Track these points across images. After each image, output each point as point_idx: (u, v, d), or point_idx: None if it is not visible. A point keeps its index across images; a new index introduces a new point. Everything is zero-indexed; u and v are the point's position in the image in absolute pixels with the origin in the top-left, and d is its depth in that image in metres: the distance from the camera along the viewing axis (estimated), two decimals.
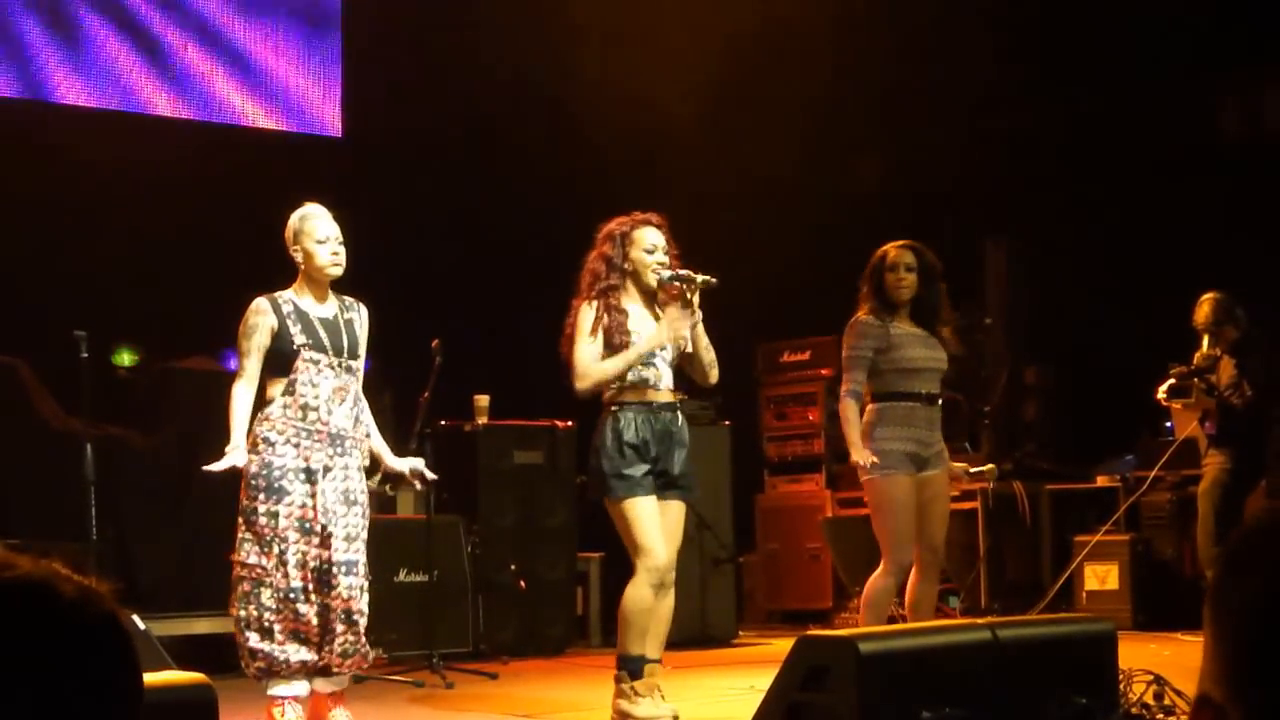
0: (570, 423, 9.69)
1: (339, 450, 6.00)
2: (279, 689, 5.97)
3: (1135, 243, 11.66)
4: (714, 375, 6.48)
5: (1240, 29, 11.52)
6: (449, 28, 11.98)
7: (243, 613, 5.90)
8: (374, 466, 6.46)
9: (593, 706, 6.93)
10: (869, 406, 6.87)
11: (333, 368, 6.01)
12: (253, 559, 5.87)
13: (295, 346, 5.96)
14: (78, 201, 10.15)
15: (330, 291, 6.14)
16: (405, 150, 11.93)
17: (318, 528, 5.90)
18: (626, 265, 6.32)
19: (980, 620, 5.96)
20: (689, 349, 6.36)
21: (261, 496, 5.87)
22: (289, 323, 5.99)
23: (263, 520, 5.85)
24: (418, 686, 8.04)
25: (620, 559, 6.41)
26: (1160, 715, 5.68)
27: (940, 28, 12.08)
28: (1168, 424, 10.26)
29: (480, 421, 9.62)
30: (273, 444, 5.91)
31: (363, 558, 6.02)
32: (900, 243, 6.99)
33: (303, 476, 5.91)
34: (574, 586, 10.18)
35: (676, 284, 6.29)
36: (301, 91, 11.85)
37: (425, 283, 11.45)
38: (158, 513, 8.91)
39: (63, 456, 7.99)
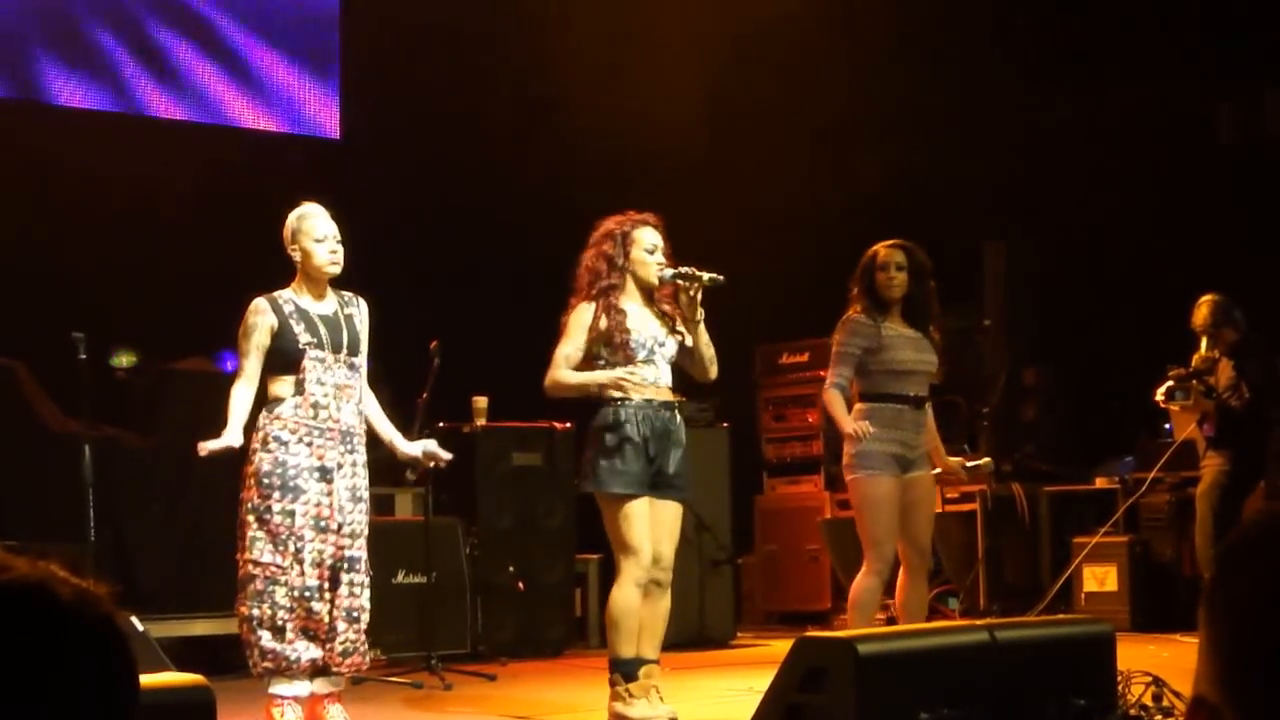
0: (569, 424, 9.69)
1: (348, 447, 6.04)
2: (281, 688, 5.98)
3: (1134, 244, 11.66)
4: (713, 372, 6.48)
5: (1239, 33, 11.53)
6: (447, 30, 11.97)
7: (255, 611, 5.89)
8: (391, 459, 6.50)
9: (591, 708, 6.92)
10: (857, 406, 6.87)
11: (338, 365, 6.03)
12: (266, 557, 5.87)
13: (300, 345, 5.97)
14: (76, 203, 10.15)
15: (329, 288, 6.15)
16: (403, 152, 11.93)
17: (333, 525, 5.92)
18: (627, 265, 6.32)
19: (979, 622, 5.96)
20: (689, 344, 6.37)
21: (276, 495, 5.87)
22: (292, 321, 6.00)
23: (278, 519, 5.85)
24: (416, 688, 8.03)
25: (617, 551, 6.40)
26: (1159, 716, 5.67)
27: (939, 30, 12.09)
28: (1166, 426, 10.26)
29: (479, 423, 9.62)
30: (285, 443, 5.92)
31: (365, 554, 6.05)
32: (890, 242, 6.99)
33: (317, 475, 5.93)
34: (572, 588, 10.18)
35: (680, 281, 6.29)
36: (300, 94, 11.85)
37: (423, 284, 11.45)
38: (156, 514, 8.90)
39: (61, 458, 7.99)
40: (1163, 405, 9.37)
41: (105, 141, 10.43)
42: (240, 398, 5.96)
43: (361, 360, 6.17)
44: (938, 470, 7.20)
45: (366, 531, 6.10)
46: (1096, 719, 4.88)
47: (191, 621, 8.59)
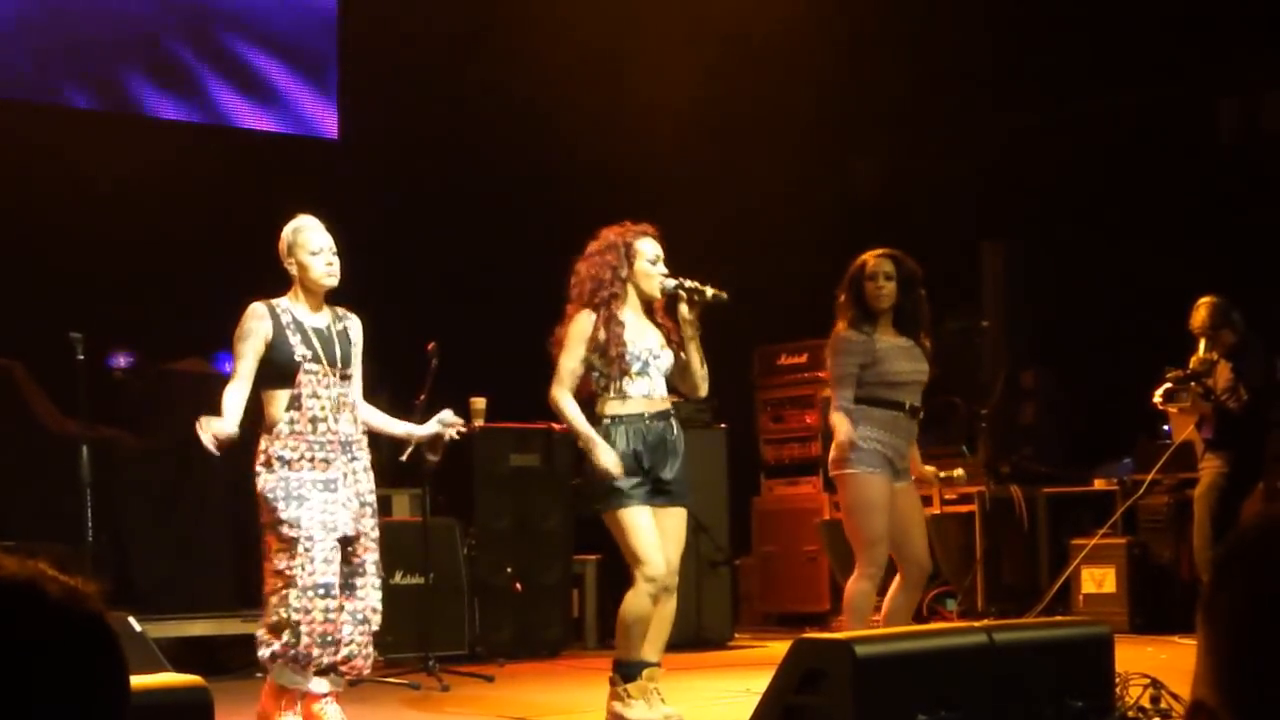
0: (567, 426, 9.69)
1: (349, 456, 6.04)
2: (288, 679, 5.96)
3: (1133, 245, 11.66)
4: (703, 389, 6.48)
5: (1239, 31, 11.53)
6: (445, 32, 11.98)
7: (275, 618, 5.90)
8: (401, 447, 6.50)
9: (588, 709, 6.92)
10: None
11: (333, 379, 6.02)
12: (282, 564, 5.88)
13: (296, 358, 5.95)
14: (73, 203, 10.14)
15: (323, 303, 6.14)
16: (402, 153, 11.93)
17: (341, 526, 5.93)
18: (630, 276, 6.32)
19: (977, 623, 5.96)
20: (683, 358, 6.37)
21: (281, 505, 5.87)
22: (288, 333, 5.99)
23: (286, 528, 5.86)
24: (414, 689, 8.03)
25: (616, 562, 6.42)
26: (1156, 718, 5.68)
27: (937, 31, 12.09)
28: (1165, 428, 10.26)
29: (476, 424, 9.62)
30: (288, 461, 5.91)
31: (375, 557, 6.06)
32: (879, 251, 6.94)
33: (321, 486, 5.93)
34: (570, 589, 10.18)
35: (682, 293, 6.28)
36: (298, 94, 11.85)
37: (422, 285, 11.45)
38: (153, 515, 8.91)
39: (58, 458, 8.00)
40: (1161, 407, 9.37)
41: (104, 142, 10.42)
42: (234, 397, 5.96)
43: (355, 374, 6.17)
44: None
45: (377, 534, 6.10)
46: None
47: (189, 622, 8.59)
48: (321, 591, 5.88)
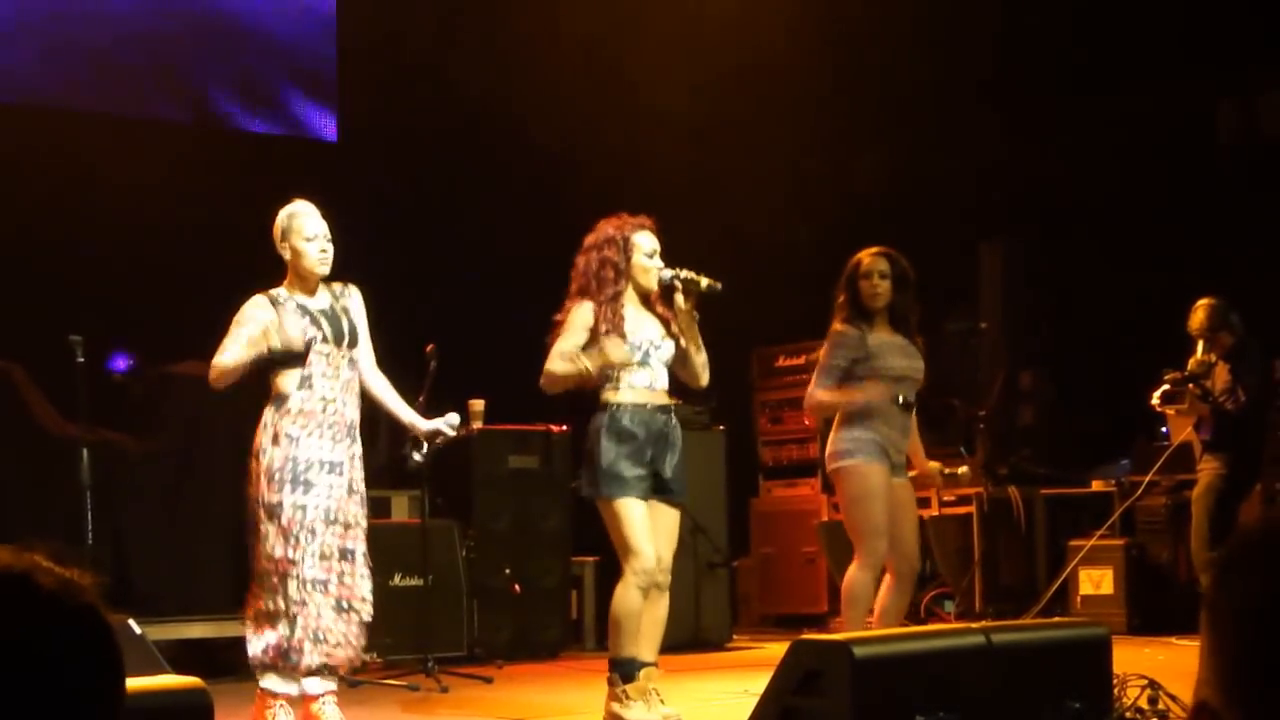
0: (565, 427, 9.71)
1: (351, 440, 6.07)
2: (274, 684, 5.98)
3: (1131, 247, 11.67)
4: (705, 377, 6.49)
5: (1238, 32, 11.54)
6: (444, 33, 11.98)
7: (270, 606, 5.90)
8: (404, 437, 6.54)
9: (587, 710, 6.93)
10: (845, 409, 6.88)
11: (341, 359, 6.06)
12: (278, 551, 5.89)
13: (307, 339, 5.99)
14: (73, 206, 10.14)
15: (319, 284, 6.17)
16: (400, 154, 11.93)
17: (340, 518, 5.95)
18: (628, 269, 6.34)
19: (975, 625, 5.97)
20: (683, 347, 6.38)
21: (288, 489, 5.89)
22: (295, 317, 6.03)
23: (289, 512, 5.87)
24: (412, 690, 8.04)
25: (615, 563, 6.41)
26: (1154, 719, 5.69)
27: (936, 30, 12.09)
28: (1163, 429, 10.27)
29: (475, 426, 9.63)
30: (295, 438, 5.94)
31: (364, 546, 6.08)
32: (874, 249, 6.97)
33: (326, 468, 5.96)
34: (568, 591, 10.19)
35: (678, 283, 6.31)
36: (297, 96, 11.85)
37: (420, 287, 11.45)
38: (153, 518, 8.91)
39: (58, 461, 7.99)
40: (1159, 409, 9.38)
41: (104, 144, 10.42)
42: (227, 354, 5.97)
43: (362, 351, 6.20)
44: (914, 473, 7.20)
45: (365, 524, 6.13)
46: None
47: (189, 624, 8.59)
48: (321, 586, 5.90)
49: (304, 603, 5.88)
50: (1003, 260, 11.85)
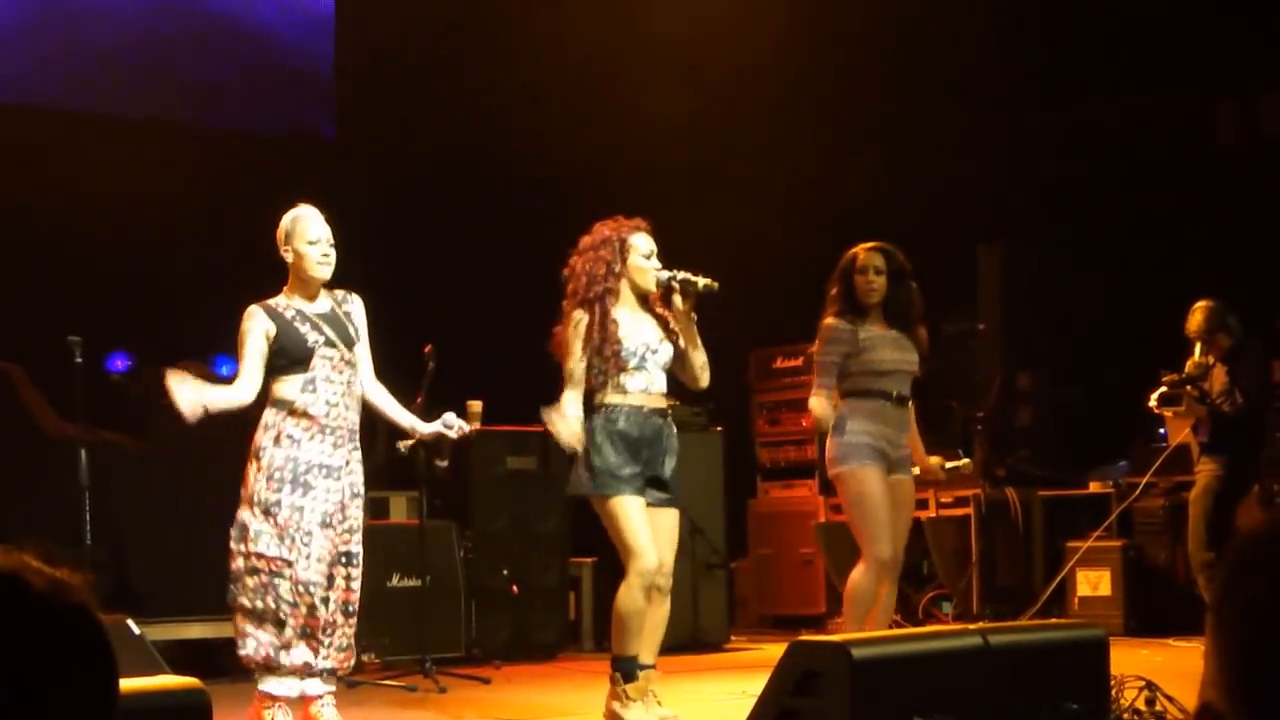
0: None
1: (352, 445, 6.08)
2: (272, 686, 5.98)
3: (1130, 248, 11.67)
4: (705, 379, 6.49)
5: (1237, 35, 11.54)
6: (443, 32, 11.98)
7: (258, 604, 5.90)
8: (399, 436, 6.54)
9: (585, 711, 6.93)
10: (838, 404, 6.88)
11: (343, 363, 6.07)
12: (271, 550, 5.89)
13: (310, 344, 6.00)
14: (71, 206, 10.14)
15: (321, 289, 6.18)
16: (398, 154, 11.93)
17: (335, 521, 5.95)
18: (624, 271, 6.34)
19: (972, 626, 5.97)
20: (682, 348, 6.39)
21: (288, 489, 5.89)
22: (296, 323, 6.04)
23: (285, 513, 5.87)
24: (410, 691, 8.04)
25: (613, 564, 6.42)
26: None
27: (935, 32, 12.09)
28: (1161, 431, 10.27)
29: (473, 427, 9.63)
30: (297, 440, 5.95)
31: (360, 550, 6.09)
32: (870, 245, 6.97)
33: (325, 471, 5.96)
34: (566, 591, 10.19)
35: (675, 285, 6.31)
36: (296, 96, 11.86)
37: (418, 287, 11.45)
38: (152, 518, 8.90)
39: (57, 462, 8.00)
40: (1157, 411, 9.38)
41: (102, 144, 10.43)
42: (229, 391, 5.99)
43: (361, 356, 6.21)
44: (916, 471, 7.21)
45: (362, 527, 6.13)
46: None
47: (187, 624, 8.59)
48: (313, 588, 5.90)
49: (296, 604, 5.88)
50: (1001, 262, 11.84)
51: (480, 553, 9.57)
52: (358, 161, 11.71)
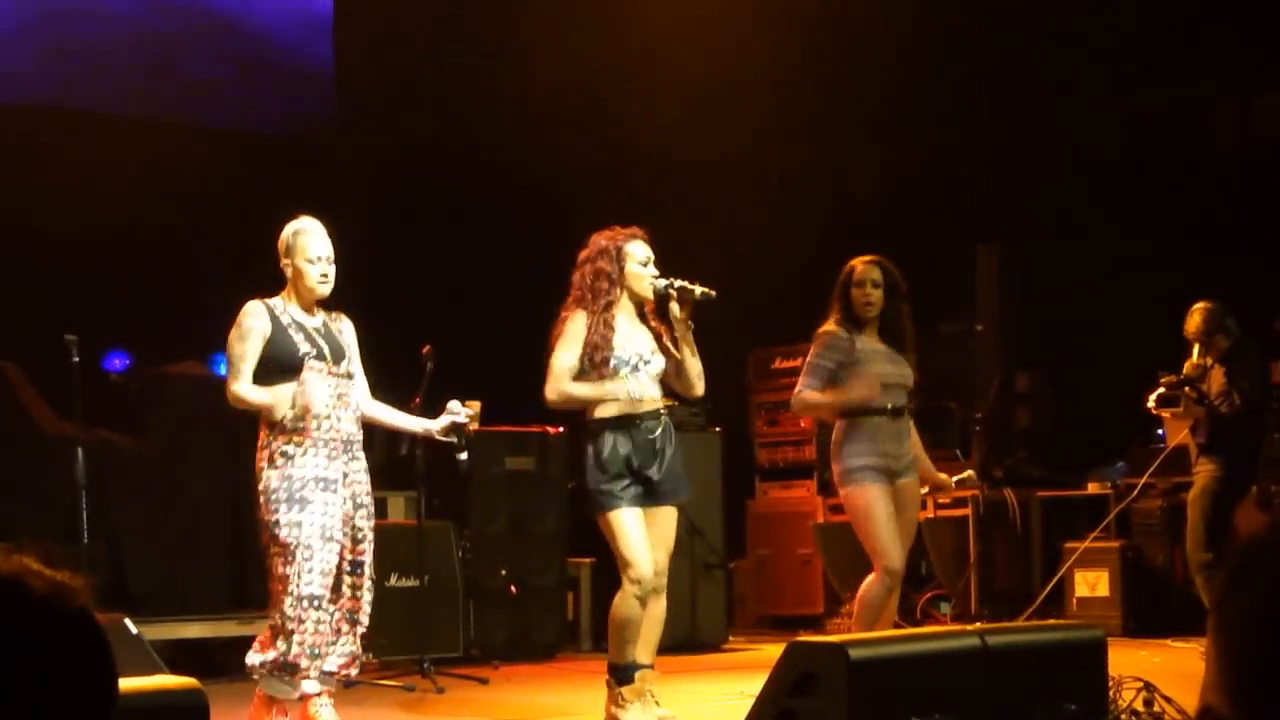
0: (561, 429, 9.71)
1: (350, 455, 6.06)
2: (272, 688, 5.98)
3: (1128, 249, 11.68)
4: (699, 387, 6.50)
5: (1236, 36, 11.54)
6: (442, 31, 11.98)
7: (277, 621, 5.91)
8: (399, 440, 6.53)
9: (583, 711, 6.94)
10: (837, 423, 6.90)
11: (334, 376, 6.04)
12: (279, 569, 5.89)
13: (300, 354, 5.97)
14: (69, 204, 10.14)
15: (316, 304, 6.16)
16: (397, 154, 11.93)
17: (338, 535, 5.94)
18: (621, 279, 6.35)
19: (970, 627, 5.97)
20: (678, 356, 6.39)
21: (283, 508, 5.87)
22: (290, 331, 6.02)
23: (284, 531, 5.86)
24: (408, 691, 8.03)
25: (611, 564, 6.43)
26: None
27: (934, 33, 12.09)
28: (1159, 432, 10.28)
29: (472, 427, 9.61)
30: (290, 457, 5.92)
31: (370, 559, 6.08)
32: (867, 258, 6.99)
33: (322, 485, 5.94)
34: (565, 592, 10.19)
35: (672, 293, 6.32)
36: (294, 94, 11.85)
37: (417, 288, 11.45)
38: (149, 517, 8.90)
39: (54, 460, 7.99)
40: (1155, 412, 9.38)
41: (100, 142, 10.42)
42: (246, 386, 5.96)
43: (356, 373, 6.19)
44: (925, 489, 7.26)
45: (372, 536, 6.12)
46: None
47: (184, 624, 8.59)
48: (316, 603, 5.89)
49: (300, 619, 5.87)
50: (999, 262, 11.84)
51: (478, 553, 9.57)
52: (356, 161, 11.71)
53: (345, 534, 6.00)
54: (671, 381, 6.47)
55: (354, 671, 6.24)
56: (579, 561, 10.15)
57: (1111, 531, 10.30)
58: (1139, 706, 5.70)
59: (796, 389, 6.98)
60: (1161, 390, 9.16)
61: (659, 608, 6.32)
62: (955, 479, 7.64)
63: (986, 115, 12.44)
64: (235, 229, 9.76)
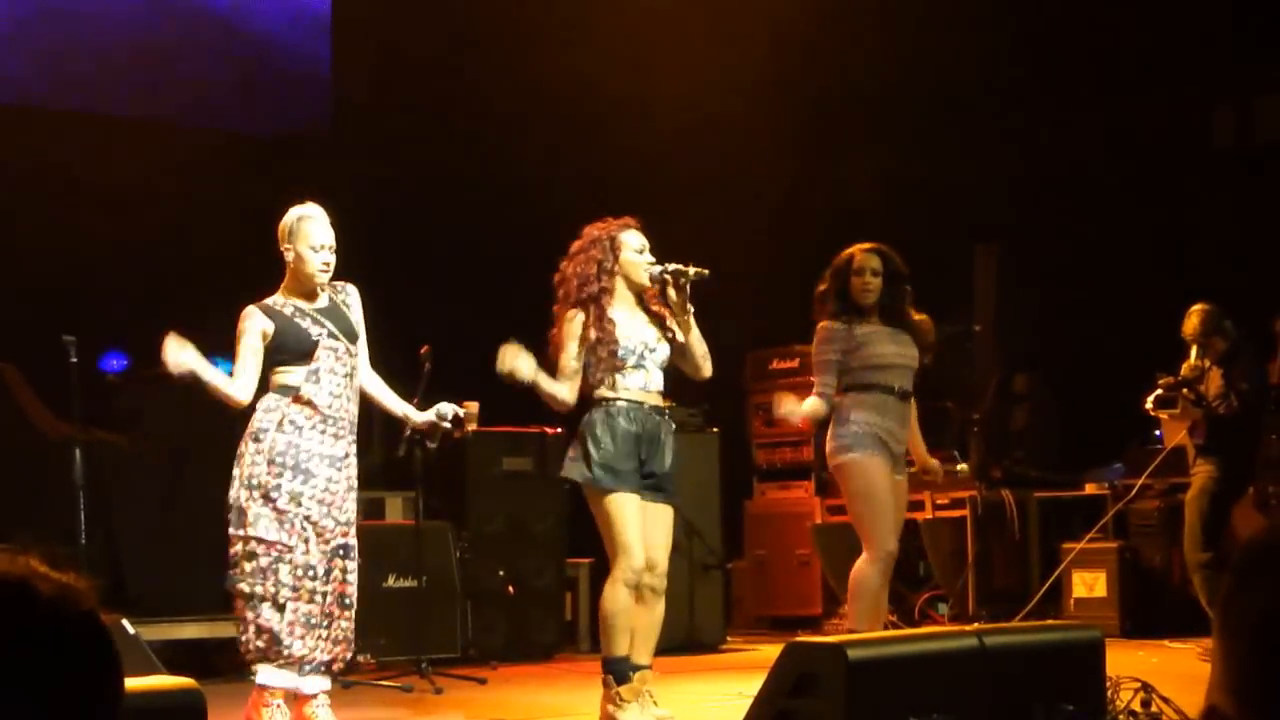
0: (559, 429, 9.69)
1: (351, 438, 6.09)
2: (269, 677, 5.95)
3: (1126, 250, 11.68)
4: (707, 368, 6.50)
5: (1234, 38, 11.55)
6: (439, 30, 11.98)
7: (258, 589, 5.88)
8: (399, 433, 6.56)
9: (581, 712, 6.93)
10: (840, 398, 6.89)
11: (346, 354, 6.07)
12: (272, 535, 5.88)
13: (314, 336, 6.00)
14: (66, 205, 10.13)
15: (317, 287, 6.17)
16: (394, 153, 11.92)
17: (335, 512, 5.95)
18: (616, 268, 6.35)
19: (968, 627, 5.97)
20: (682, 340, 6.39)
21: (288, 475, 5.88)
22: (296, 320, 6.03)
23: (285, 499, 5.87)
24: (406, 691, 8.03)
25: (610, 564, 6.41)
26: None
27: (932, 33, 12.10)
28: (1157, 433, 10.28)
29: (470, 428, 9.61)
30: (300, 427, 5.95)
31: (355, 543, 6.09)
32: (866, 246, 7.00)
33: (327, 462, 5.96)
34: (563, 592, 10.19)
35: (668, 276, 6.33)
36: (292, 94, 11.85)
37: (414, 287, 11.44)
38: (146, 517, 8.90)
39: (51, 461, 7.99)
40: (1153, 414, 9.39)
41: (97, 143, 10.42)
42: (227, 380, 5.98)
43: (360, 347, 6.21)
44: (915, 468, 7.24)
45: (354, 521, 6.14)
46: None
47: (182, 624, 8.59)
48: (313, 572, 5.90)
49: (297, 589, 5.87)
50: (998, 263, 11.84)
51: (476, 553, 9.57)
52: (354, 162, 11.70)
53: (339, 514, 6.02)
54: (680, 365, 6.47)
55: (349, 655, 6.22)
56: (577, 562, 10.15)
57: (1109, 532, 10.31)
58: (1137, 707, 5.70)
59: (814, 390, 6.95)
60: (1159, 392, 9.16)
61: (658, 609, 6.32)
62: (947, 469, 7.65)
63: (985, 116, 12.44)
64: (232, 229, 9.75)
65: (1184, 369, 9.13)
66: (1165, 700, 5.70)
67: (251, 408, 6.07)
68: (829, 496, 11.13)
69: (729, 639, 10.57)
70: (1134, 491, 10.14)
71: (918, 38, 12.14)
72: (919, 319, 7.04)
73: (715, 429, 10.53)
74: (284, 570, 5.87)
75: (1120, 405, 10.11)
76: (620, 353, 6.25)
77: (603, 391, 6.28)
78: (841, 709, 4.49)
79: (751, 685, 5.23)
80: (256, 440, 5.96)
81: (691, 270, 6.32)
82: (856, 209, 11.74)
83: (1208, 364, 9.14)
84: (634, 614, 6.26)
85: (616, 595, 6.18)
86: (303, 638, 5.91)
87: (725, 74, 11.94)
